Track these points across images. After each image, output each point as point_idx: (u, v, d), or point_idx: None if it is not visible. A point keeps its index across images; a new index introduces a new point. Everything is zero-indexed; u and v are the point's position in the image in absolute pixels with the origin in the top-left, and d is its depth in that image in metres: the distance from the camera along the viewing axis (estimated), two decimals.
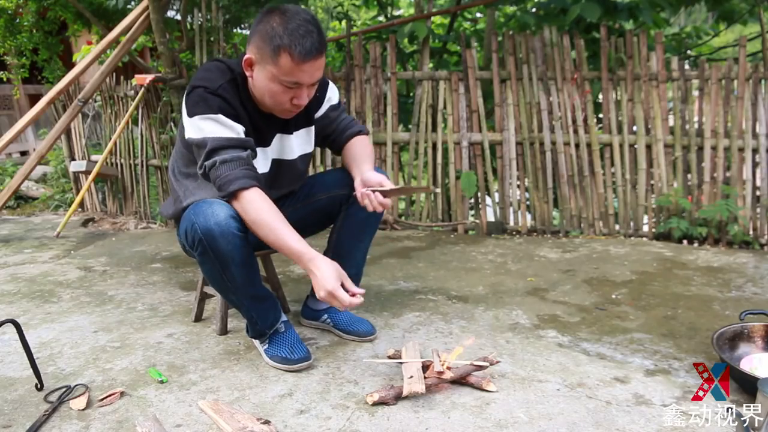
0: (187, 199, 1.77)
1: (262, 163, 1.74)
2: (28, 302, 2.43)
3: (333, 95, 1.89)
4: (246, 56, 1.59)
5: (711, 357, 1.78)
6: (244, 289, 1.70)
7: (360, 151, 1.87)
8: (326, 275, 1.51)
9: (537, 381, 1.66)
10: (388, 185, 1.70)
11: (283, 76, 1.56)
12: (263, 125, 1.72)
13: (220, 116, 1.58)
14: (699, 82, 3.46)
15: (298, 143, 1.84)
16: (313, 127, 1.87)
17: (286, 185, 1.89)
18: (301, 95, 1.62)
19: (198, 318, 2.16)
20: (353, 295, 1.52)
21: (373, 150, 1.95)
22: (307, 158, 1.90)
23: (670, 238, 3.41)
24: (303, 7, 1.59)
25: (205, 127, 1.58)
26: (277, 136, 1.78)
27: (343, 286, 1.52)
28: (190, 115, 1.60)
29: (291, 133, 1.80)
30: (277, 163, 1.80)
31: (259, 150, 1.71)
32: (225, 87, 1.61)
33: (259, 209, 1.56)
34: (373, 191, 1.69)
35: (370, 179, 1.73)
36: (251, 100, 1.68)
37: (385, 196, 1.69)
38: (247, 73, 1.62)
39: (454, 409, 1.51)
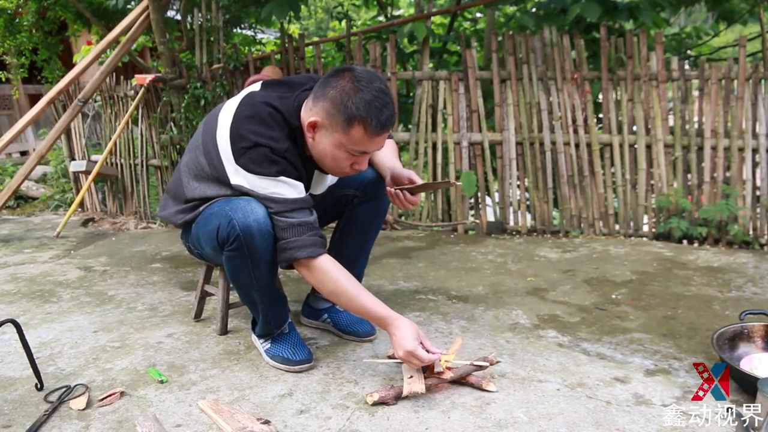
0: (203, 205, 1.72)
1: None
2: (28, 302, 2.43)
3: None
4: (311, 119, 1.54)
5: (711, 357, 1.78)
6: (267, 288, 1.70)
7: (386, 148, 1.87)
8: (406, 335, 1.54)
9: (537, 381, 1.66)
10: (418, 181, 1.75)
11: (352, 146, 1.54)
12: (308, 167, 1.69)
13: (284, 178, 1.55)
14: (699, 82, 3.46)
15: (331, 179, 1.85)
16: None
17: None
18: (363, 161, 1.61)
19: (198, 315, 2.16)
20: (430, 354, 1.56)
21: (396, 147, 1.96)
22: (344, 188, 1.91)
23: (670, 238, 3.41)
24: (373, 71, 1.54)
25: (269, 187, 1.55)
26: (315, 174, 1.76)
27: (422, 344, 1.56)
28: (249, 171, 1.55)
29: (327, 173, 1.78)
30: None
31: None
32: (290, 149, 1.56)
33: (337, 279, 1.59)
34: (402, 189, 1.73)
35: (400, 176, 1.77)
36: (304, 150, 1.64)
37: (412, 194, 1.74)
38: (308, 134, 1.58)
39: (454, 409, 1.51)
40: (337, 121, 1.51)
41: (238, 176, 1.58)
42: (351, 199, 1.92)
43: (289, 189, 1.57)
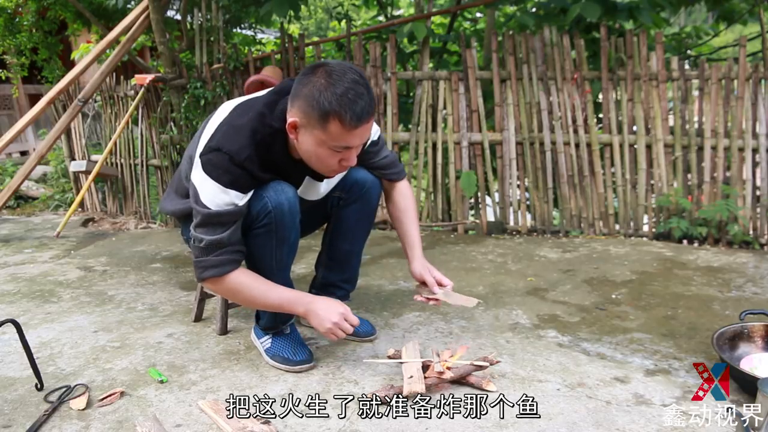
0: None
1: None
2: (28, 302, 2.43)
3: (373, 132, 1.78)
4: (290, 120, 1.51)
5: (711, 357, 1.78)
6: (284, 272, 1.73)
7: (406, 210, 1.92)
8: (328, 308, 1.63)
9: (537, 381, 1.66)
10: (438, 288, 1.82)
11: (333, 142, 1.50)
12: (296, 172, 1.68)
13: (231, 191, 1.53)
14: (699, 82, 3.46)
15: (326, 187, 1.82)
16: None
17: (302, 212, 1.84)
18: (350, 157, 1.57)
19: (198, 318, 2.16)
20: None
21: (414, 201, 1.97)
22: (331, 190, 1.89)
23: (670, 238, 3.41)
24: (349, 63, 1.51)
25: (214, 197, 1.53)
26: (306, 179, 1.74)
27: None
28: (205, 170, 1.53)
29: (321, 180, 1.76)
30: (300, 200, 1.75)
31: None
32: (252, 157, 1.53)
33: (247, 288, 1.62)
34: (427, 299, 1.81)
35: (414, 274, 1.87)
36: (286, 150, 1.62)
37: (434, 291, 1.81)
38: (291, 135, 1.54)
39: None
40: (313, 119, 1.47)
41: (196, 178, 1.57)
42: (337, 201, 1.90)
43: (227, 204, 1.54)
